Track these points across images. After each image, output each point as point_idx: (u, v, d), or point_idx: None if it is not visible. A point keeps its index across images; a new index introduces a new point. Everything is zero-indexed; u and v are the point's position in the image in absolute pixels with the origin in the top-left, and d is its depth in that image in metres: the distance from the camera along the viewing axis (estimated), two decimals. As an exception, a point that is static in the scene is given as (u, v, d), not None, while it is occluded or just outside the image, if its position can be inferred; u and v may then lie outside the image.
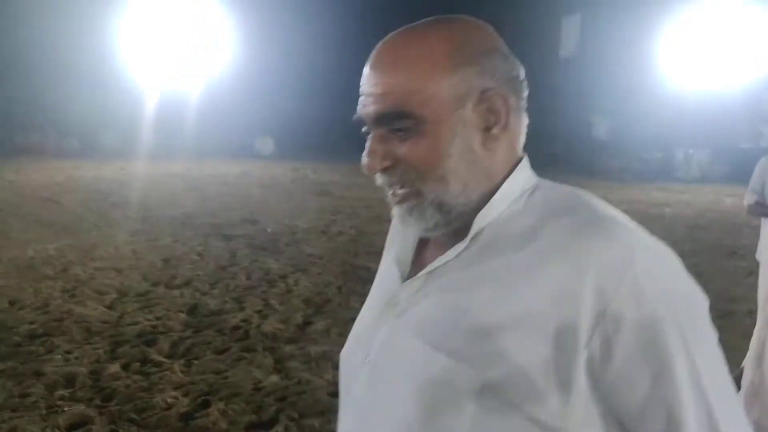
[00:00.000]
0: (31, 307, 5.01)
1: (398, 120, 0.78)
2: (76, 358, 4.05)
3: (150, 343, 4.34)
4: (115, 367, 3.92)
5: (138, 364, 4.00)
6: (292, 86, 25.02)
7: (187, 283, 5.90)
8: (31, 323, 4.64)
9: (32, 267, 6.31)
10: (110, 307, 5.09)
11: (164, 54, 26.31)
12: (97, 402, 3.48)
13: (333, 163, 20.15)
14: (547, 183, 0.85)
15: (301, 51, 24.46)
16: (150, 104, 24.49)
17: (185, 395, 3.58)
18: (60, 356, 4.06)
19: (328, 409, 3.44)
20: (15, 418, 3.26)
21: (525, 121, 0.85)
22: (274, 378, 3.84)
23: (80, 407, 3.42)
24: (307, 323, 4.86)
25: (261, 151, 23.90)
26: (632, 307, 0.68)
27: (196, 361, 4.07)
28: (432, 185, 0.80)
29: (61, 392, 3.58)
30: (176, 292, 5.61)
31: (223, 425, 3.27)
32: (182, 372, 3.90)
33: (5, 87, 21.42)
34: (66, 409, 3.40)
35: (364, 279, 6.12)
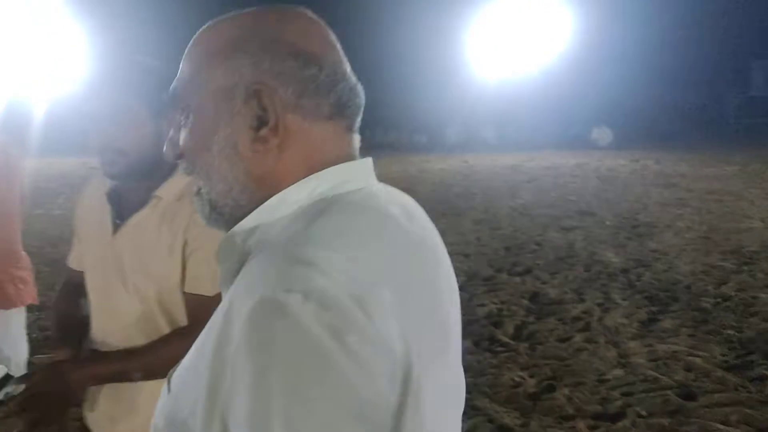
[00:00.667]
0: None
1: (174, 105, 0.77)
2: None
3: (496, 325, 4.69)
4: (467, 343, 4.35)
5: (487, 342, 4.37)
6: (629, 73, 23.85)
7: (527, 271, 6.17)
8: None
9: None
10: (461, 289, 5.60)
11: (503, 49, 27.42)
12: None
13: (679, 152, 18.69)
14: (353, 194, 0.78)
15: (638, 37, 23.10)
16: (487, 101, 25.83)
17: (531, 377, 3.82)
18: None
19: (678, 410, 3.34)
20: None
21: (331, 128, 0.75)
22: (619, 372, 3.84)
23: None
24: (651, 320, 4.71)
25: (597, 142, 23.25)
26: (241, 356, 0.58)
27: (539, 346, 4.28)
28: (202, 180, 0.75)
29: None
30: (518, 279, 5.91)
31: (570, 410, 3.41)
32: (527, 354, 4.15)
33: (371, 91, 24.80)
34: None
35: (718, 280, 5.64)
